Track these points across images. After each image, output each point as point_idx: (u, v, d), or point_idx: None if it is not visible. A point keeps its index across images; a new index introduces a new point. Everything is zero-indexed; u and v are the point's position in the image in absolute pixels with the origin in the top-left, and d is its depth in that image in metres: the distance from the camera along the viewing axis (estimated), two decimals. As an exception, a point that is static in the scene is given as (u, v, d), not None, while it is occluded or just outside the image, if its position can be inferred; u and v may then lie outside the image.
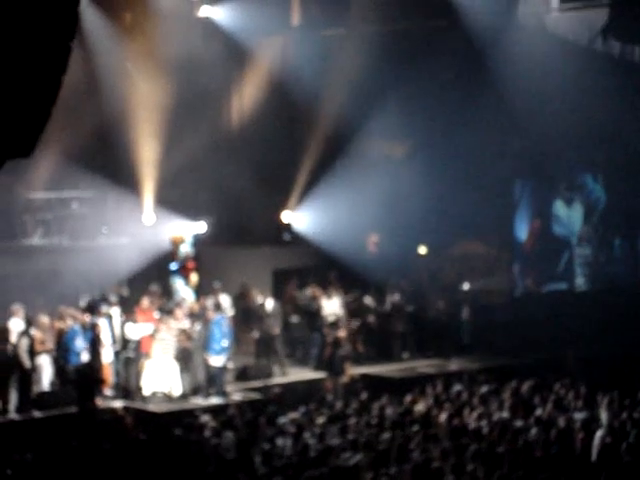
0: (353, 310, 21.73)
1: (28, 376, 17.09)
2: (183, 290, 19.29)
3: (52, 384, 17.68)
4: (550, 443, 13.52)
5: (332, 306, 21.33)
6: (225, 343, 18.44)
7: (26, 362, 16.99)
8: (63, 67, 10.68)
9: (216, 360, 18.28)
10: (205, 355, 18.26)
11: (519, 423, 14.70)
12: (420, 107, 21.81)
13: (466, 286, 22.94)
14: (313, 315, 21.29)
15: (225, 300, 20.24)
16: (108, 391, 18.18)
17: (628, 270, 23.90)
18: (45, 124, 10.57)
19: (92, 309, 18.59)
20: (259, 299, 20.27)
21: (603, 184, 23.70)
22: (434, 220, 22.56)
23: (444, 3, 21.45)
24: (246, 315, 21.19)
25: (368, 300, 22.06)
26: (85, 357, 17.53)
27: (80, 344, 17.52)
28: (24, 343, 16.98)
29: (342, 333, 19.96)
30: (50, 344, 17.56)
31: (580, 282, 23.92)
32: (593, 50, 21.77)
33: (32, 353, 17.08)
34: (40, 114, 10.55)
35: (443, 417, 15.22)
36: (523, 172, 22.72)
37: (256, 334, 19.93)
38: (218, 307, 19.09)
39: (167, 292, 19.74)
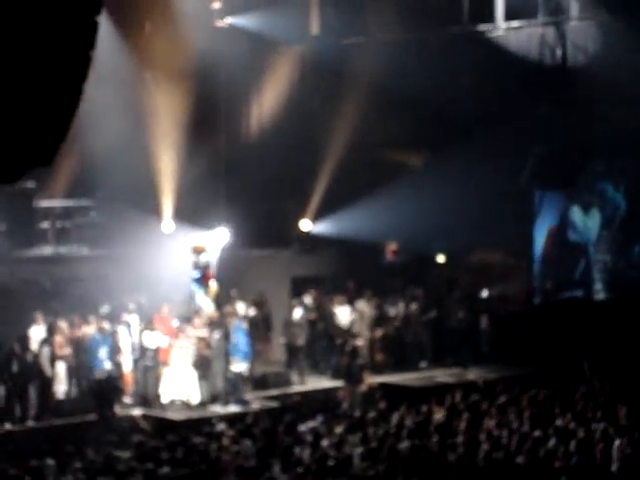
0: (375, 319, 21.72)
1: (48, 384, 17.14)
2: (202, 299, 19.28)
3: (69, 392, 17.72)
4: (569, 453, 13.43)
5: (343, 314, 21.35)
6: (247, 347, 18.49)
7: (47, 370, 17.03)
8: (83, 76, 10.73)
9: (240, 366, 18.27)
10: (231, 360, 18.24)
11: (538, 433, 14.62)
12: (439, 115, 21.72)
13: (485, 293, 22.84)
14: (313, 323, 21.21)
15: (242, 308, 20.26)
16: (127, 399, 18.20)
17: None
18: (66, 133, 10.60)
19: (112, 317, 18.63)
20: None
21: (624, 193, 23.52)
22: (452, 228, 22.45)
23: (463, 12, 21.37)
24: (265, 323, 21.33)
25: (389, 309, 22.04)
26: (107, 365, 17.56)
27: (102, 352, 17.54)
28: (45, 351, 17.03)
29: (360, 342, 19.87)
30: (68, 351, 17.61)
31: (598, 288, 23.74)
32: (616, 56, 21.55)
33: (52, 361, 17.12)
34: (61, 123, 10.60)
35: (462, 426, 15.15)
36: (543, 180, 22.55)
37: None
38: (236, 313, 19.11)
39: (186, 300, 19.71)
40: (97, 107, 17.55)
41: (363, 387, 19.34)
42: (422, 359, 22.03)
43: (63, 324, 17.67)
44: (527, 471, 12.51)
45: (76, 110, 10.61)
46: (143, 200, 21.12)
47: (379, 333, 21.72)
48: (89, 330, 17.91)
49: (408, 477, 12.32)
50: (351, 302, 21.74)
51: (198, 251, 19.48)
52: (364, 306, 21.64)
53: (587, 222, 23.47)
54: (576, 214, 23.47)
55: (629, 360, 20.14)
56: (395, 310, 22.04)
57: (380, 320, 21.83)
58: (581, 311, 22.77)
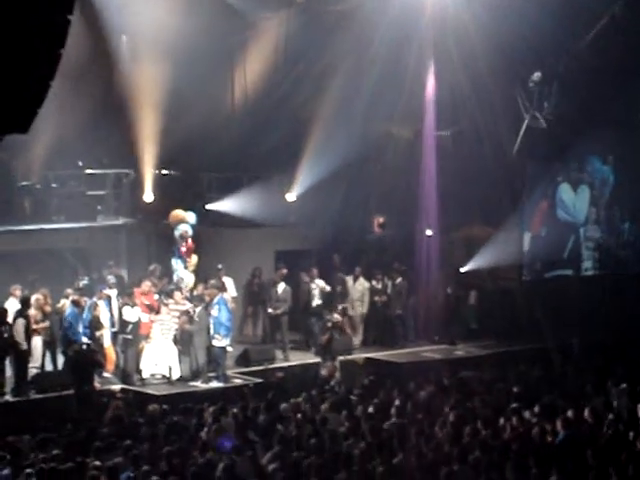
0: (363, 295, 21.60)
1: (24, 357, 16.83)
2: (182, 271, 18.92)
3: (46, 366, 17.51)
4: (557, 431, 13.29)
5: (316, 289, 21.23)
6: (230, 322, 18.23)
7: (22, 343, 16.69)
8: (61, 41, 10.32)
9: (222, 341, 17.98)
10: (213, 335, 17.94)
11: (526, 410, 14.45)
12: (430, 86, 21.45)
13: (472, 265, 22.54)
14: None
15: (228, 282, 19.97)
16: (106, 373, 17.93)
17: (638, 255, 23.59)
18: (43, 99, 10.22)
19: (90, 290, 18.32)
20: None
21: (613, 165, 23.33)
22: (442, 202, 22.19)
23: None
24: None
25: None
26: (85, 339, 17.25)
27: (80, 326, 17.24)
28: (20, 323, 16.71)
29: (340, 317, 19.63)
30: (45, 325, 17.32)
31: (588, 266, 23.61)
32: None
33: (28, 334, 16.77)
34: (38, 88, 10.21)
35: (449, 404, 14.97)
36: (533, 153, 22.33)
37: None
38: (219, 287, 18.80)
39: (168, 273, 19.40)
40: (75, 75, 17.19)
41: (337, 363, 19.09)
42: (406, 334, 21.81)
43: (39, 297, 17.33)
44: (514, 447, 12.32)
45: (54, 75, 10.24)
46: (124, 169, 20.78)
47: (366, 309, 21.58)
48: (67, 303, 17.57)
49: (393, 455, 12.09)
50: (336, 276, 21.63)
51: (177, 222, 19.03)
52: (353, 281, 21.51)
53: (576, 202, 23.41)
54: (565, 192, 23.35)
55: (618, 336, 20.01)
56: (381, 285, 21.80)
57: (367, 295, 21.62)
58: (571, 286, 22.63)
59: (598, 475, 11.02)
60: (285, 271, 20.87)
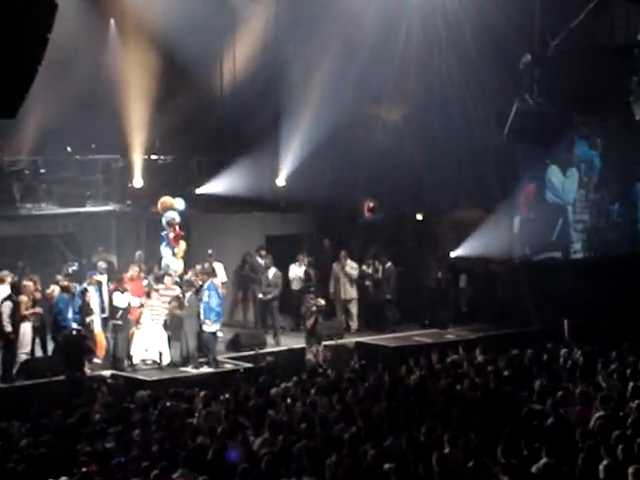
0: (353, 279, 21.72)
1: (12, 342, 16.79)
2: (169, 259, 18.85)
3: (36, 352, 17.48)
4: (547, 414, 13.31)
5: (299, 273, 21.33)
6: (220, 307, 18.20)
7: (7, 327, 16.64)
8: (48, 26, 10.29)
9: (212, 327, 17.97)
10: (203, 321, 17.91)
11: (516, 393, 14.48)
12: (418, 68, 21.38)
13: (462, 251, 22.55)
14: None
15: (219, 267, 19.97)
16: (96, 359, 17.93)
17: (627, 236, 23.59)
18: (30, 84, 10.21)
19: (80, 276, 18.30)
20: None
21: (601, 149, 23.28)
22: (432, 186, 22.16)
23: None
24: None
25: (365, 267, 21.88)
26: (75, 325, 17.24)
27: (70, 312, 17.23)
28: (6, 306, 16.68)
29: (323, 302, 19.67)
30: (34, 310, 17.29)
31: (577, 248, 23.62)
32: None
33: (16, 319, 16.72)
34: (25, 73, 10.18)
35: (439, 387, 15.00)
36: (522, 135, 22.30)
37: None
38: (210, 273, 18.79)
39: (157, 259, 19.37)
40: (62, 60, 17.11)
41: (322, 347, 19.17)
42: (395, 318, 21.85)
43: (29, 283, 17.30)
44: (504, 431, 12.33)
45: (41, 60, 10.20)
46: (113, 155, 20.73)
47: (357, 293, 21.66)
48: (57, 289, 17.55)
49: (383, 438, 12.11)
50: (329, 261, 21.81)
51: (165, 209, 18.99)
52: (343, 266, 21.59)
53: (565, 183, 23.36)
54: (554, 174, 23.31)
55: (608, 318, 20.03)
56: (372, 270, 21.83)
57: (358, 280, 21.67)
58: (560, 269, 22.63)
59: (588, 457, 11.02)
60: (264, 253, 20.95)
